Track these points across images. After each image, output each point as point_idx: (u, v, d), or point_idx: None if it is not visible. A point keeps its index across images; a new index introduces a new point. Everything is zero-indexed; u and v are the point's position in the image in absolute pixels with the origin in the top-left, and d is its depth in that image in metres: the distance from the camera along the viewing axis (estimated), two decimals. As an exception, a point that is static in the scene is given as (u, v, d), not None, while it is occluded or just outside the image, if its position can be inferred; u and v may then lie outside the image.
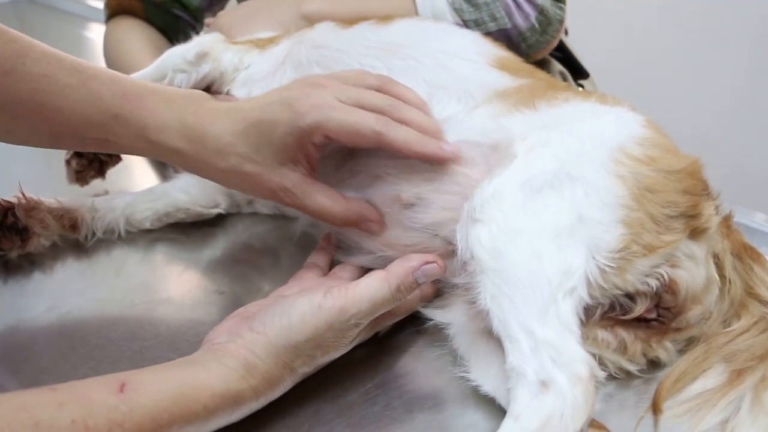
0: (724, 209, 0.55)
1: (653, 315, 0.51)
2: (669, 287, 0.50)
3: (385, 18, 0.70)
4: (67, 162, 0.73)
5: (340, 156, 0.60)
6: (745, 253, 0.55)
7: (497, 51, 0.66)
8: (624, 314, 0.50)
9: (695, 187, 0.52)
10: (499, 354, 0.47)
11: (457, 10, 0.85)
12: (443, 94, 0.60)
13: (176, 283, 0.64)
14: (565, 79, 1.03)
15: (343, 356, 0.49)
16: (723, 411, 0.47)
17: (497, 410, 0.48)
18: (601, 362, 0.49)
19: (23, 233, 0.64)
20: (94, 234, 0.67)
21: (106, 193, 0.74)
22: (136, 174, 0.82)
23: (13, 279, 0.63)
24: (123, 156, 0.76)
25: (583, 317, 0.48)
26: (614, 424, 0.46)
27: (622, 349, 0.51)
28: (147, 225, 0.69)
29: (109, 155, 0.75)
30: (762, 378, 0.48)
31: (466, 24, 0.85)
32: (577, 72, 1.08)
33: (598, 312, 0.50)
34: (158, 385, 0.42)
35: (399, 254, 0.55)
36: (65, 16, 1.52)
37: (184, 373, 0.43)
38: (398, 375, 0.52)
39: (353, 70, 0.62)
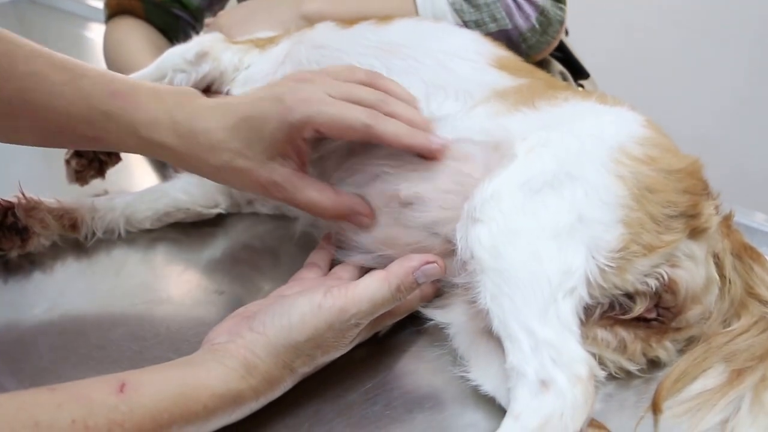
0: (724, 209, 0.55)
1: (653, 315, 0.51)
2: (669, 287, 0.50)
3: (385, 18, 0.70)
4: (67, 162, 0.73)
5: (339, 155, 0.60)
6: (745, 252, 0.55)
7: (497, 51, 0.66)
8: (624, 314, 0.50)
9: (695, 187, 0.52)
10: (499, 354, 0.47)
11: (458, 11, 0.85)
12: (442, 93, 0.60)
13: (176, 283, 0.64)
14: (565, 79, 1.03)
15: (343, 356, 0.49)
16: (723, 411, 0.47)
17: (497, 410, 0.48)
18: (601, 362, 0.49)
19: (23, 233, 0.64)
20: (94, 234, 0.67)
21: (106, 193, 0.74)
22: (136, 174, 0.82)
23: (13, 279, 0.63)
24: (123, 156, 0.76)
25: (582, 317, 0.48)
26: (614, 423, 0.46)
27: (622, 348, 0.51)
28: (147, 225, 0.69)
29: (109, 155, 0.75)
30: (762, 378, 0.48)
31: (466, 25, 0.85)
32: (578, 72, 1.08)
33: (598, 311, 0.50)
34: (158, 385, 0.42)
35: (399, 253, 0.55)
36: (65, 16, 1.52)
37: (184, 373, 0.43)
38: (398, 375, 0.52)
39: (342, 65, 0.62)
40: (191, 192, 0.70)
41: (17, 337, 0.55)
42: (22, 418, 0.37)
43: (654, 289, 0.50)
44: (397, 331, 0.56)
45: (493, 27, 0.85)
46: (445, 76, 0.61)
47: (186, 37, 0.74)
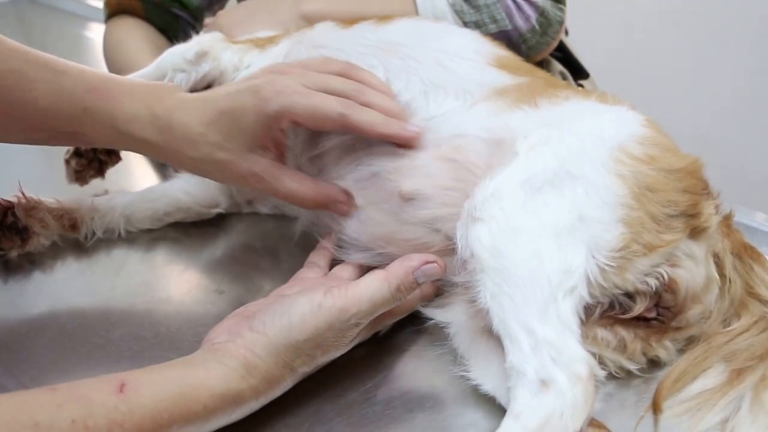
0: (724, 209, 0.55)
1: (653, 314, 0.51)
2: (669, 286, 0.50)
3: (385, 18, 0.70)
4: (67, 161, 0.73)
5: (339, 151, 0.61)
6: (745, 252, 0.55)
7: (496, 50, 0.66)
8: (624, 313, 0.50)
9: (695, 186, 0.52)
10: (499, 353, 0.47)
11: (458, 12, 0.85)
12: (441, 92, 0.60)
13: (176, 282, 0.64)
14: (565, 78, 1.03)
15: (343, 356, 0.49)
16: (723, 410, 0.47)
17: (497, 409, 0.48)
18: (601, 361, 0.49)
19: (23, 233, 0.64)
20: (94, 234, 0.67)
21: (106, 193, 0.74)
22: (136, 174, 0.82)
23: (13, 279, 0.63)
24: (123, 156, 0.76)
25: (583, 316, 0.48)
26: (614, 423, 0.46)
27: (622, 347, 0.51)
28: (147, 225, 0.69)
29: (109, 155, 0.75)
30: (762, 377, 0.48)
31: (466, 26, 0.85)
32: (577, 72, 1.08)
33: (598, 311, 0.50)
34: (158, 385, 0.42)
35: (399, 250, 0.55)
36: (65, 16, 1.52)
37: (184, 373, 0.43)
38: (398, 374, 0.52)
39: (318, 57, 0.63)
40: (191, 192, 0.70)
41: (17, 337, 0.55)
42: (22, 418, 0.37)
43: (654, 289, 0.50)
44: (397, 331, 0.56)
45: (493, 28, 0.86)
46: (445, 75, 0.61)
47: (186, 37, 0.74)
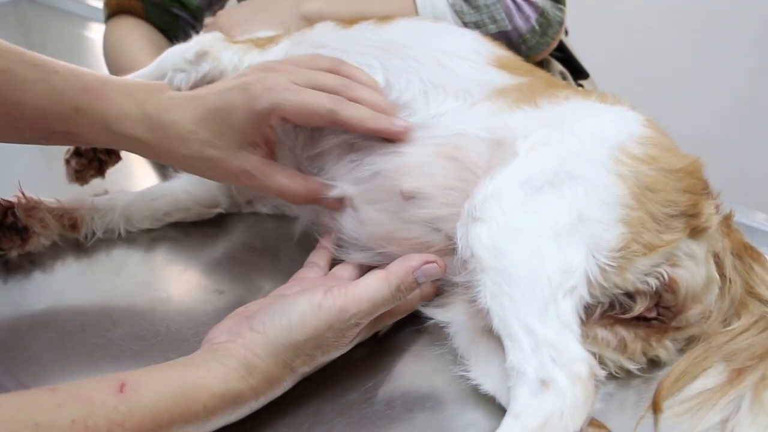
0: (724, 209, 0.55)
1: (653, 314, 0.51)
2: (669, 286, 0.50)
3: (385, 18, 0.70)
4: (67, 161, 0.73)
5: (339, 150, 0.61)
6: (745, 252, 0.55)
7: (496, 50, 0.66)
8: (624, 313, 0.50)
9: (695, 186, 0.52)
10: (499, 353, 0.47)
11: (458, 12, 0.85)
12: (441, 92, 0.60)
13: (176, 282, 0.64)
14: (565, 78, 1.03)
15: (343, 355, 0.49)
16: (723, 410, 0.47)
17: (497, 409, 0.48)
18: (601, 361, 0.49)
19: (23, 233, 0.64)
20: (94, 234, 0.67)
21: (106, 192, 0.74)
22: (136, 174, 0.82)
23: (13, 279, 0.63)
24: (123, 156, 0.76)
25: (583, 316, 0.48)
26: (614, 423, 0.46)
27: (622, 347, 0.51)
28: (147, 225, 0.69)
29: (109, 155, 0.75)
30: (762, 377, 0.48)
31: (466, 26, 0.85)
32: (577, 72, 1.08)
33: (598, 311, 0.50)
34: (158, 385, 0.42)
35: (399, 250, 0.55)
36: (65, 16, 1.52)
37: (184, 373, 0.43)
38: (398, 374, 0.52)
39: (307, 54, 0.63)
40: (191, 192, 0.70)
41: (17, 337, 0.55)
42: (22, 418, 0.37)
43: (654, 289, 0.50)
44: (397, 331, 0.56)
45: (493, 28, 0.86)
46: (445, 75, 0.61)
47: (186, 37, 0.73)
